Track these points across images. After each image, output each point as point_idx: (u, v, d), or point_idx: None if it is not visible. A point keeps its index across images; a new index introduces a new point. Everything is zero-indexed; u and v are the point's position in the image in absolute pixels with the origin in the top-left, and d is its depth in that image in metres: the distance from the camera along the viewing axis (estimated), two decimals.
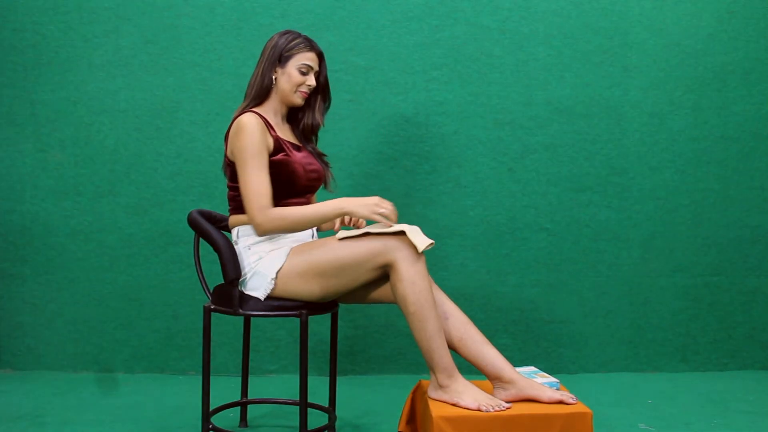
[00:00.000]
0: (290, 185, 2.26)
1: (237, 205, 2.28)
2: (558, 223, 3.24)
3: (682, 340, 3.28)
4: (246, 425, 2.58)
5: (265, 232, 2.17)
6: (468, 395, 2.09)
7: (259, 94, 2.31)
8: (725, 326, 3.29)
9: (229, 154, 2.26)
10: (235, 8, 3.16)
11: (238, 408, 2.68)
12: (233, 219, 2.30)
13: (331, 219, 2.20)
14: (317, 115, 2.40)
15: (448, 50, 3.19)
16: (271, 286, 2.18)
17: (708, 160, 3.27)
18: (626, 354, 3.27)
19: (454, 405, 2.09)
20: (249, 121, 2.19)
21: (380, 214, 2.14)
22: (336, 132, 3.18)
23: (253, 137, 2.17)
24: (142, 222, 3.18)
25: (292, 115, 2.43)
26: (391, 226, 2.15)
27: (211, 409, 2.38)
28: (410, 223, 3.22)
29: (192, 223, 2.31)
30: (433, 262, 3.20)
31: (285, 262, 2.18)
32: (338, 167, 3.18)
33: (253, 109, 2.28)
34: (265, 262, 2.20)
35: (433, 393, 2.15)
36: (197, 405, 2.70)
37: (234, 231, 2.30)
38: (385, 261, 2.11)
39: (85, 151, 3.18)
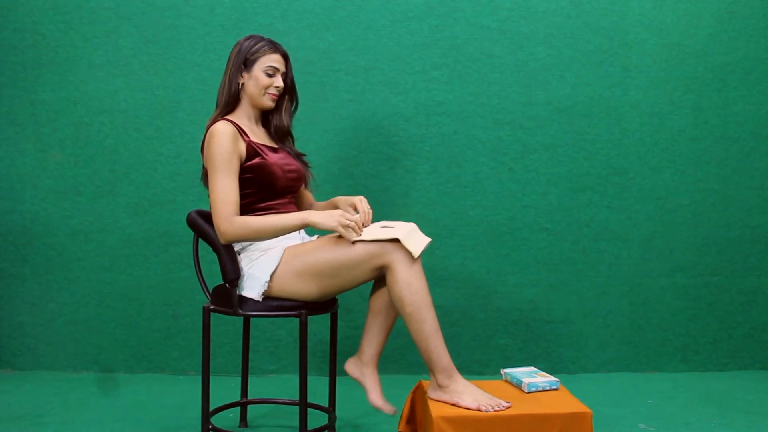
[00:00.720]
0: (270, 187, 2.27)
1: None
2: (558, 223, 3.24)
3: (682, 340, 3.28)
4: (246, 425, 2.58)
5: (228, 240, 2.18)
6: (468, 395, 2.09)
7: (229, 101, 2.30)
8: (725, 326, 3.29)
9: (204, 163, 2.26)
10: (235, 8, 3.16)
11: (238, 408, 2.68)
12: None
13: (295, 230, 2.19)
14: (284, 117, 2.39)
15: (448, 50, 3.19)
16: (264, 288, 2.18)
17: (708, 160, 3.27)
18: (626, 354, 3.26)
19: (453, 405, 2.09)
20: (220, 129, 2.19)
21: (345, 226, 2.12)
22: (336, 132, 3.18)
23: (222, 146, 2.17)
24: (142, 222, 3.18)
25: (266, 118, 2.42)
26: (360, 234, 2.13)
27: (211, 409, 2.38)
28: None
29: (191, 223, 2.31)
30: (434, 262, 3.20)
31: (280, 263, 2.18)
32: (338, 167, 3.18)
33: (226, 117, 2.28)
34: (260, 264, 2.20)
35: (432, 393, 2.16)
36: (197, 405, 2.70)
37: None
38: (382, 263, 2.11)
39: (85, 151, 3.18)
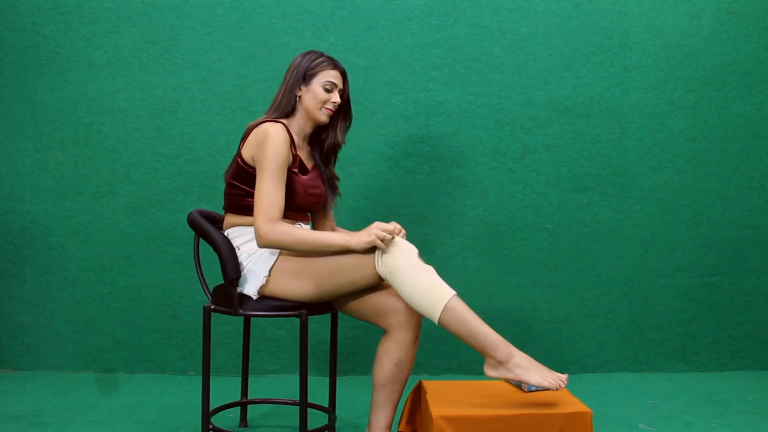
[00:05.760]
0: (287, 200, 2.25)
1: (232, 204, 2.27)
2: (558, 223, 3.24)
3: (682, 340, 3.28)
4: (246, 425, 2.58)
5: (266, 243, 2.14)
6: (534, 371, 2.04)
7: (285, 109, 2.30)
8: (725, 326, 3.29)
9: (248, 158, 2.23)
10: (235, 8, 3.16)
11: (238, 408, 2.68)
12: (227, 220, 2.31)
13: (335, 252, 2.14)
14: (339, 134, 2.39)
15: (448, 50, 3.19)
16: (262, 283, 2.17)
17: (708, 160, 3.27)
18: (626, 354, 3.27)
19: (519, 380, 2.04)
20: (278, 132, 2.17)
21: (381, 238, 2.08)
22: None
23: (279, 149, 2.16)
24: (142, 222, 3.18)
25: (313, 137, 2.41)
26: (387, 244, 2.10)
27: (211, 409, 2.37)
28: (409, 222, 3.23)
29: (192, 223, 2.31)
30: (434, 262, 3.18)
31: (277, 259, 2.17)
32: (338, 167, 3.17)
33: (281, 121, 2.25)
34: (257, 259, 2.19)
35: (492, 372, 2.08)
36: (197, 405, 2.70)
37: (226, 232, 2.30)
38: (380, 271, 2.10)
39: (85, 151, 3.18)
